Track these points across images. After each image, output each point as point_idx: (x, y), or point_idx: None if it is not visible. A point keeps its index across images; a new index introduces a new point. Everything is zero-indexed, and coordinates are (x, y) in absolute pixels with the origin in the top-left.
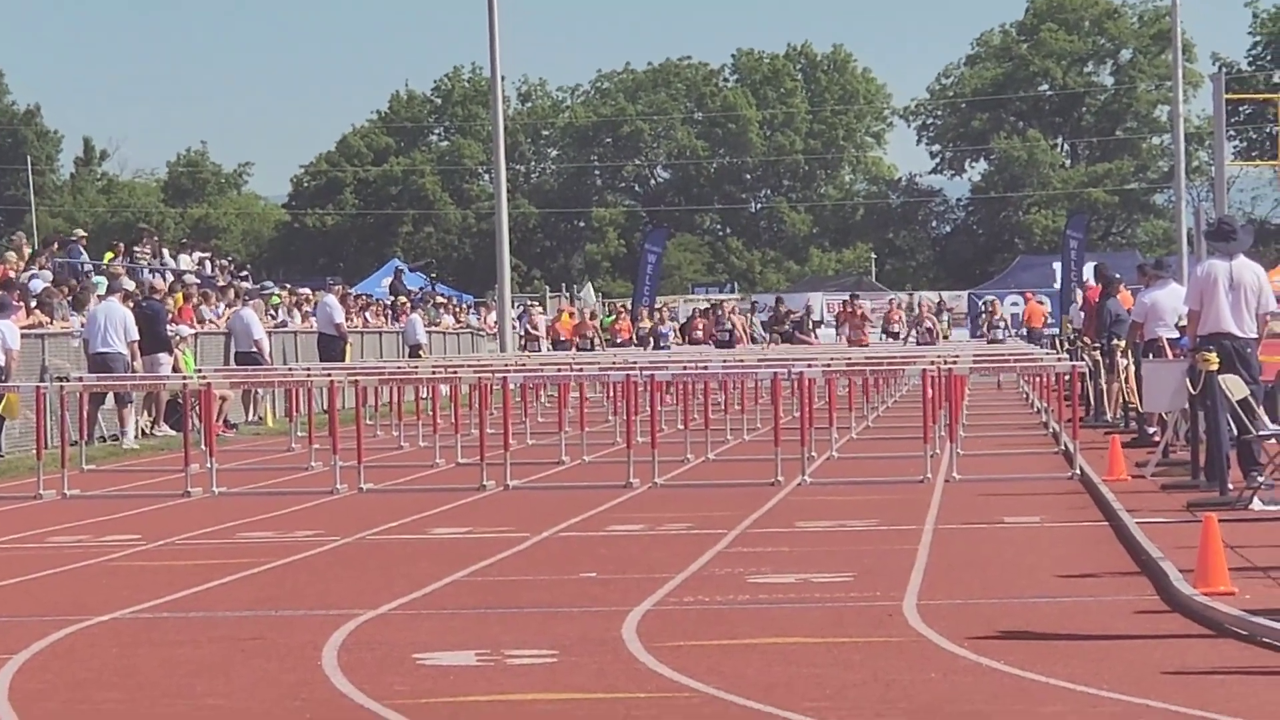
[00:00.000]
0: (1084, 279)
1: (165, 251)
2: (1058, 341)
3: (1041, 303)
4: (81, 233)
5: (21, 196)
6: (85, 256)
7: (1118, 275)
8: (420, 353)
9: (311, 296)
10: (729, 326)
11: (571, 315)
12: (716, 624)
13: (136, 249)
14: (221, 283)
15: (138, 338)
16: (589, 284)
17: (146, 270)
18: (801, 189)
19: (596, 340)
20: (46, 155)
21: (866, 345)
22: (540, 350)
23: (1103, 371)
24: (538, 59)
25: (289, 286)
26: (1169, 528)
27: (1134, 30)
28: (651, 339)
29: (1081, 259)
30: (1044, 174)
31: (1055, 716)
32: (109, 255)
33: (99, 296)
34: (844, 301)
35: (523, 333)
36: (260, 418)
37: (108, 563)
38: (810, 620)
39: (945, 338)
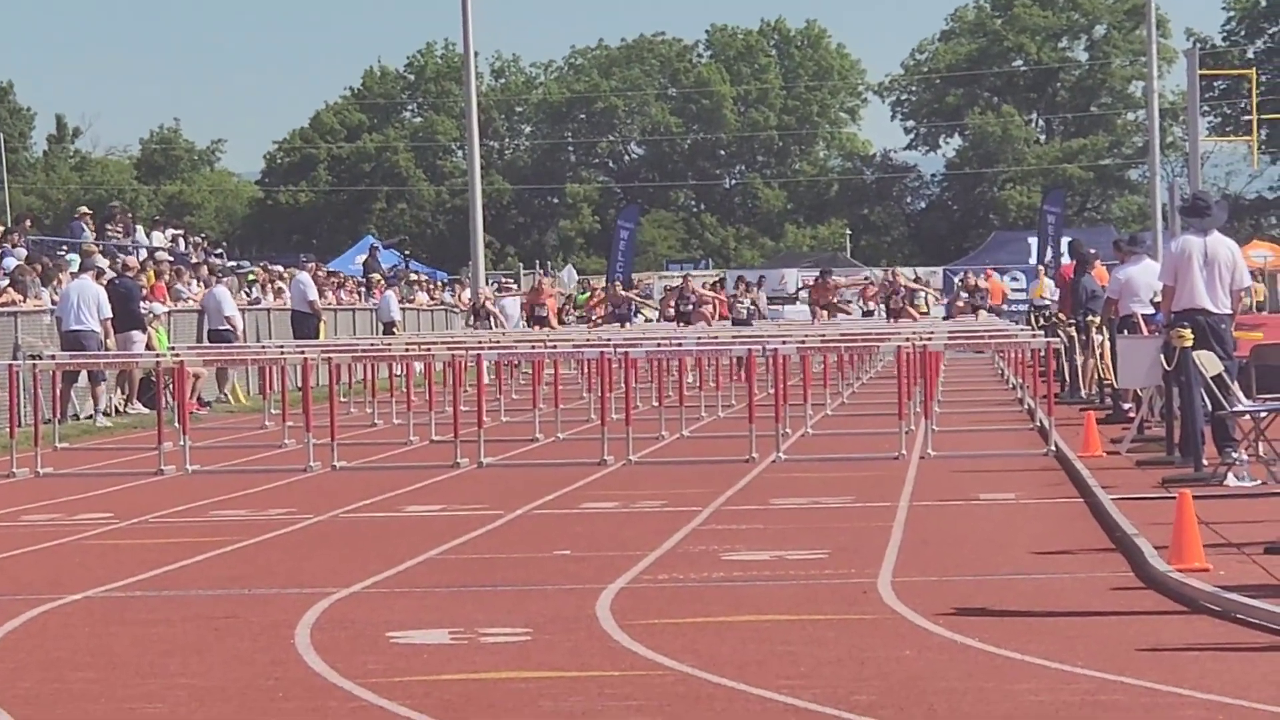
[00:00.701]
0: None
1: (139, 229)
2: (1031, 318)
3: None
4: (85, 209)
5: None
6: (88, 233)
7: (1093, 250)
8: (394, 330)
9: (285, 273)
10: (691, 301)
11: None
12: (691, 602)
13: (109, 226)
14: (195, 260)
15: (110, 315)
16: (569, 265)
17: (117, 248)
18: (776, 165)
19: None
20: (19, 132)
21: (834, 318)
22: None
23: (1078, 348)
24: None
25: (264, 264)
26: (1144, 504)
27: (1108, 6)
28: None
29: (1059, 235)
30: (1019, 150)
31: (1029, 693)
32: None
33: (72, 274)
34: (815, 278)
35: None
36: (225, 396)
37: (81, 541)
38: (785, 598)
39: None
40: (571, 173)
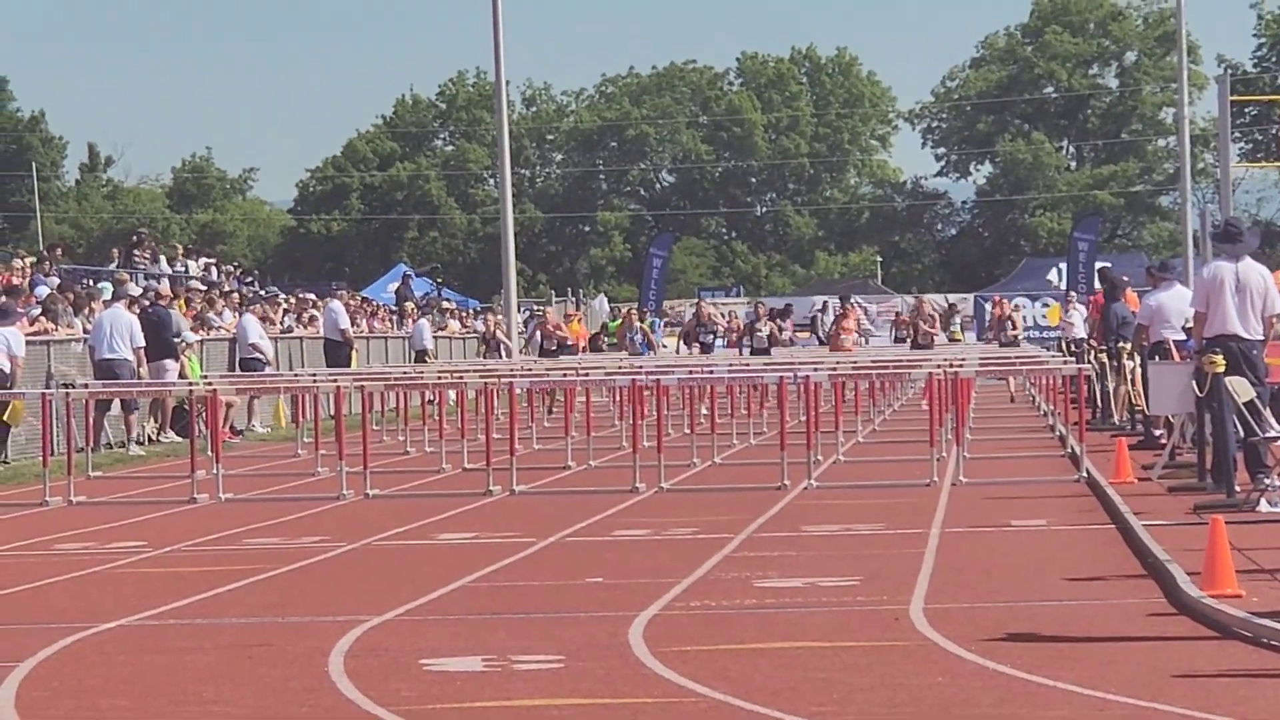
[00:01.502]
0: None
1: (163, 258)
2: (1063, 344)
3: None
4: (178, 246)
5: (27, 203)
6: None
7: (1125, 278)
8: (426, 358)
9: (320, 303)
10: (713, 329)
11: (580, 321)
12: (723, 628)
13: (135, 254)
14: (227, 288)
15: (144, 344)
16: (602, 295)
17: (143, 276)
18: (807, 192)
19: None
20: (51, 162)
21: (850, 351)
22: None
23: (1109, 374)
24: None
25: (296, 292)
26: (1176, 530)
27: (1139, 32)
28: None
29: (1091, 262)
30: (1049, 177)
31: None
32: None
33: (105, 302)
34: (835, 304)
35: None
36: (254, 427)
37: (114, 569)
38: (817, 624)
39: (955, 340)
40: (603, 200)
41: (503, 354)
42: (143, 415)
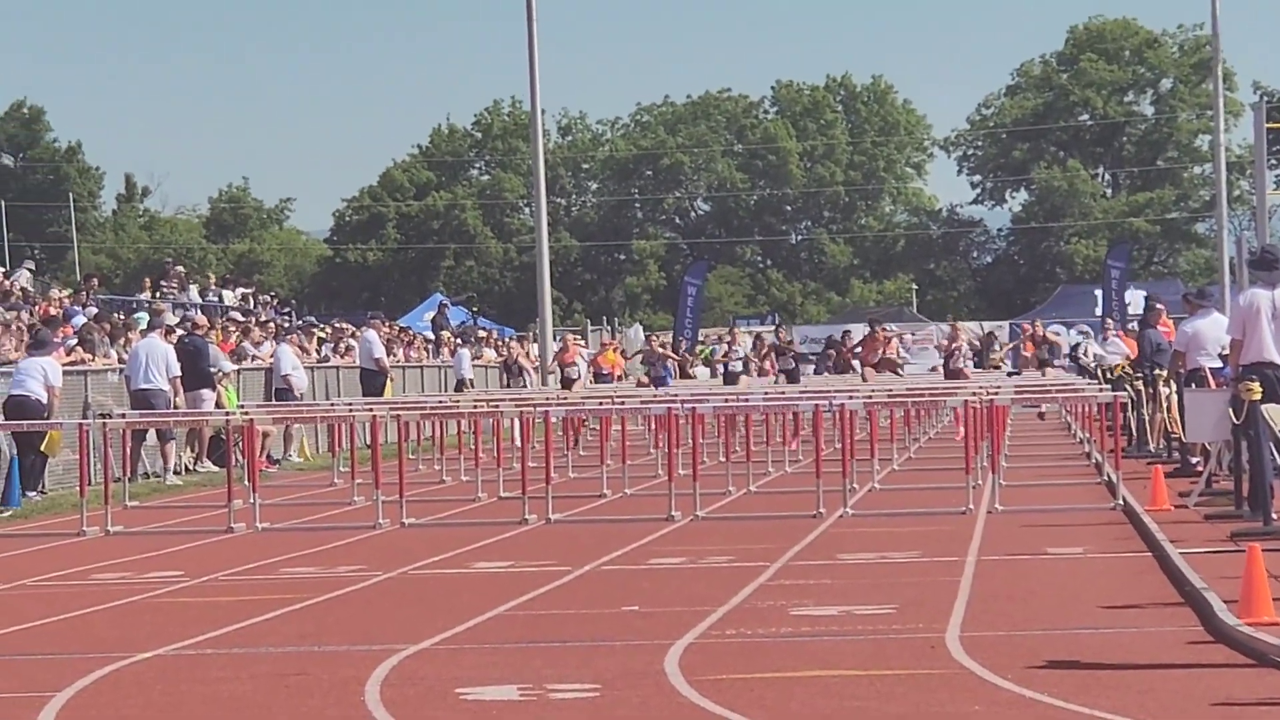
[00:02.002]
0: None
1: (193, 287)
2: (1099, 371)
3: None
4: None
5: (64, 234)
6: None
7: (1159, 305)
8: (465, 387)
9: (355, 333)
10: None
11: (616, 349)
12: (759, 657)
13: (164, 283)
14: (264, 318)
15: (179, 374)
16: (637, 325)
17: (173, 306)
18: (842, 220)
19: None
20: (88, 192)
21: (880, 373)
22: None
23: (1145, 401)
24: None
25: (333, 322)
26: (1212, 558)
27: (1174, 59)
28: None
29: (1123, 289)
30: (1085, 204)
31: None
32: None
33: (141, 332)
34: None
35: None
36: (291, 456)
37: (151, 599)
38: (853, 652)
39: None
40: (638, 229)
41: (525, 380)
42: (180, 445)
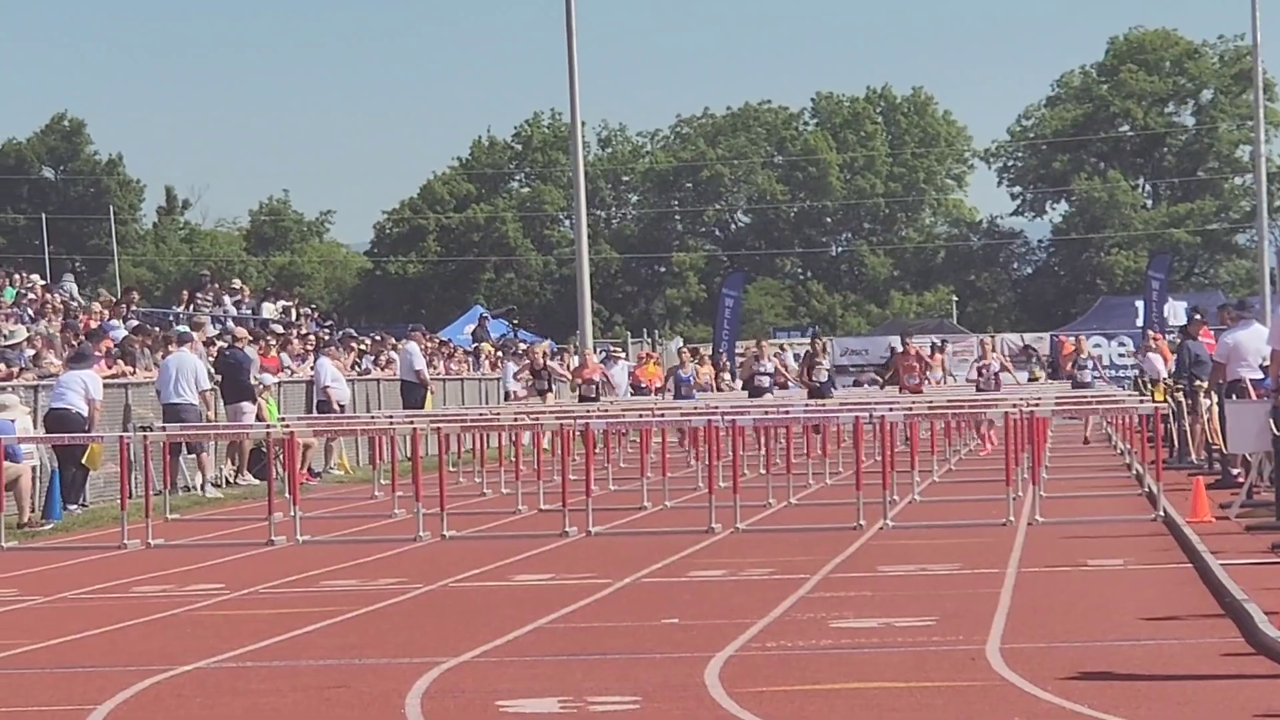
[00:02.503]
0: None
1: (227, 298)
2: (1140, 383)
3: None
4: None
5: (105, 246)
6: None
7: (1198, 315)
8: (511, 398)
9: (397, 345)
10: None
11: (656, 362)
12: (799, 669)
13: (199, 296)
14: (304, 331)
15: (210, 387)
16: (678, 338)
17: (209, 317)
18: (882, 232)
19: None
20: (129, 205)
21: (919, 392)
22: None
23: (1186, 412)
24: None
25: (373, 334)
26: (1253, 569)
27: (1215, 70)
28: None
29: (1163, 300)
30: (1125, 215)
31: None
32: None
33: (175, 346)
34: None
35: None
36: (332, 468)
37: (192, 612)
38: (893, 665)
39: (1035, 379)
40: (678, 241)
41: (550, 383)
42: (220, 457)
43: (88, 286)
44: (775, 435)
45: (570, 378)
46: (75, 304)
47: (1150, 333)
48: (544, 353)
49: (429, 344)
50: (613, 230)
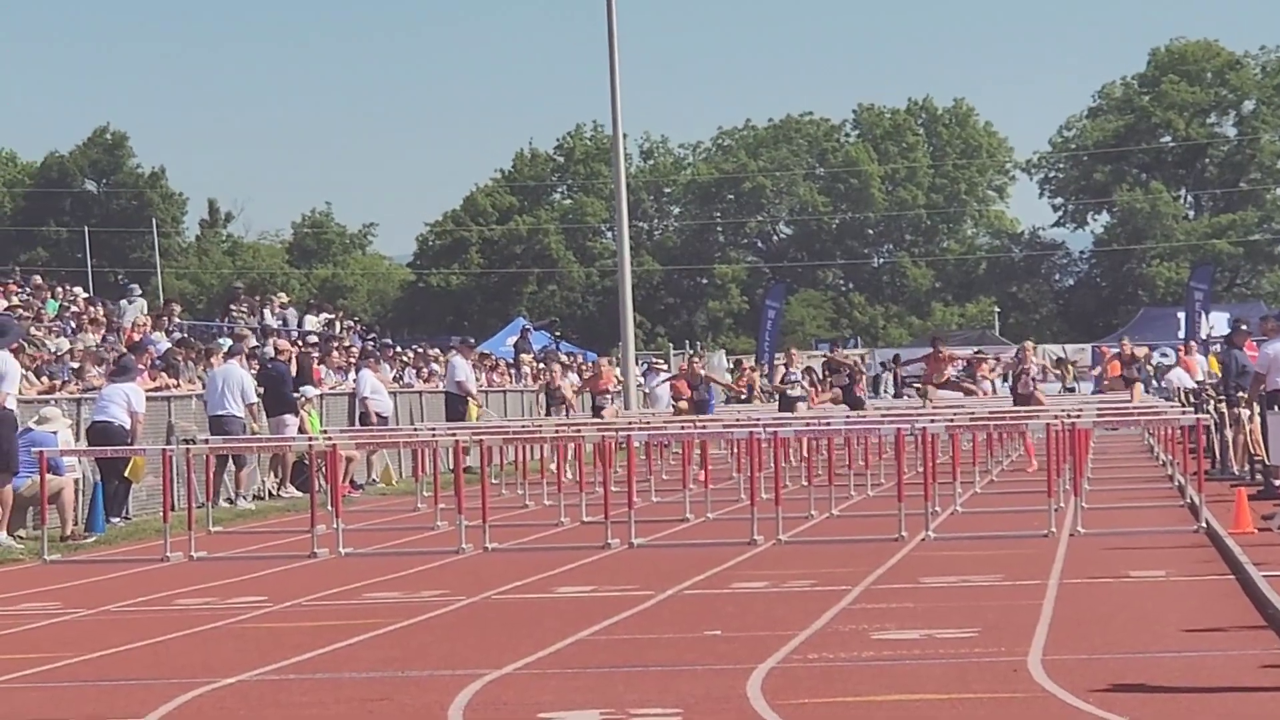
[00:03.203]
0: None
1: (265, 310)
2: (1182, 394)
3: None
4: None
5: (147, 259)
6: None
7: (1244, 326)
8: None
9: (442, 358)
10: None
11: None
12: (841, 681)
13: (233, 307)
14: (347, 343)
15: (255, 400)
16: (721, 350)
17: (247, 328)
18: (924, 243)
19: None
20: (172, 217)
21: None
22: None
23: (1228, 424)
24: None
25: (418, 347)
26: None
27: (1256, 81)
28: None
29: (1206, 311)
30: (1167, 226)
31: None
32: None
33: (223, 357)
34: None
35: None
36: (372, 480)
37: (235, 624)
38: (935, 676)
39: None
40: (720, 253)
41: (566, 412)
42: (262, 470)
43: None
44: (817, 447)
45: (575, 393)
46: (131, 324)
47: (1180, 347)
48: (556, 374)
49: (473, 357)
50: (654, 242)
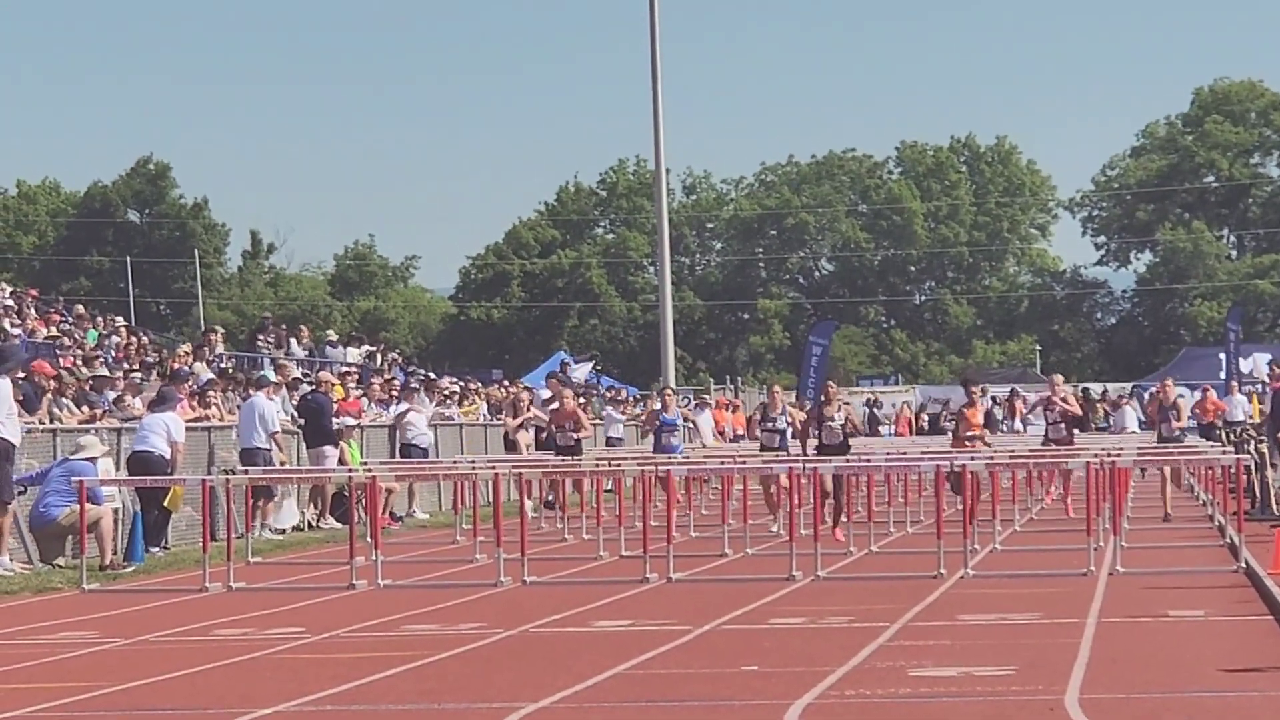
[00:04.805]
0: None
1: (293, 341)
2: (1223, 434)
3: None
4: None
5: (190, 289)
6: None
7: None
8: (612, 444)
9: (481, 390)
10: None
11: (737, 409)
12: (878, 718)
13: (260, 337)
14: (388, 375)
15: (278, 430)
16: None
17: (270, 360)
18: (966, 281)
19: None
20: (214, 248)
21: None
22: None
23: (1268, 464)
24: (702, 152)
25: (462, 380)
26: None
27: None
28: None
29: (1239, 352)
30: (1210, 265)
31: None
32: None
33: (251, 389)
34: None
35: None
36: (412, 512)
37: (272, 655)
38: (972, 714)
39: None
40: (762, 288)
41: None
42: (301, 502)
43: (171, 330)
44: (857, 484)
45: (537, 420)
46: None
47: (1233, 384)
48: (529, 401)
49: (514, 391)
50: (696, 277)
